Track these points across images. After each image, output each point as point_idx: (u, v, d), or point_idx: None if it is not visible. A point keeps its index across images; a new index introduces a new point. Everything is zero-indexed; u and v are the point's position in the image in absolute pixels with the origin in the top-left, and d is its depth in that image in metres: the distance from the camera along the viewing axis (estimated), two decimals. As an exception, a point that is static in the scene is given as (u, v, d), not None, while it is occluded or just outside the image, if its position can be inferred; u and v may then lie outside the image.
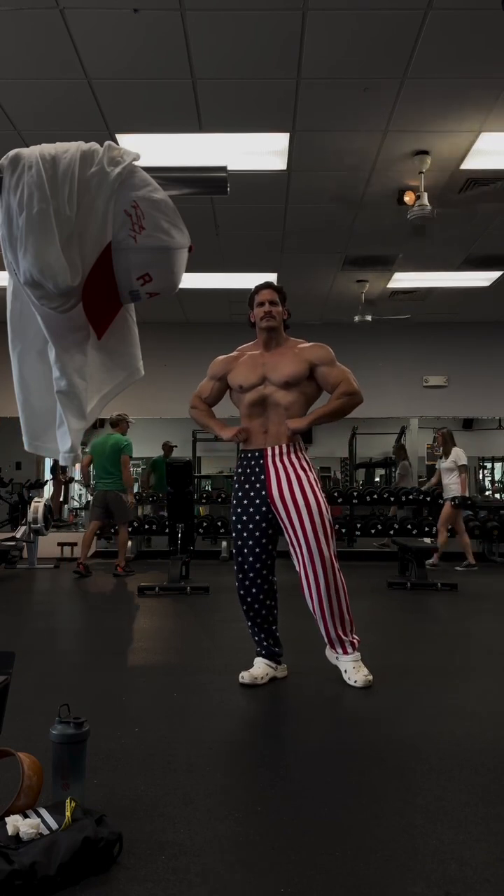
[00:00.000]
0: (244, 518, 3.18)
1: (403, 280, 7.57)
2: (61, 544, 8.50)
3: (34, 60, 3.87)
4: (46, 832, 1.59)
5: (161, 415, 8.92)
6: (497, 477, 12.76)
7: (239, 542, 3.20)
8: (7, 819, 1.62)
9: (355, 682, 3.06)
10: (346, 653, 3.13)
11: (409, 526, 8.49)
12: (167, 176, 1.95)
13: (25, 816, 1.63)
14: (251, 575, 3.17)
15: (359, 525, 8.72)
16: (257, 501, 3.14)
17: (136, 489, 8.24)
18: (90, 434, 8.14)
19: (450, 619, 5.04)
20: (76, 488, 10.98)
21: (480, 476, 12.65)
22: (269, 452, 3.14)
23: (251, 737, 2.64)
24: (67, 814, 1.63)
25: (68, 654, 3.96)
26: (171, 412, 8.64)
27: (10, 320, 1.96)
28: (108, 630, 4.65)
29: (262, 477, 3.14)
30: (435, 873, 1.59)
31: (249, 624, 3.25)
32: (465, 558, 7.56)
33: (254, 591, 3.17)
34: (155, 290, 1.94)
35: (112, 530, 7.78)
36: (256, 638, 3.24)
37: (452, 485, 7.59)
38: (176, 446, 9.73)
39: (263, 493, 3.13)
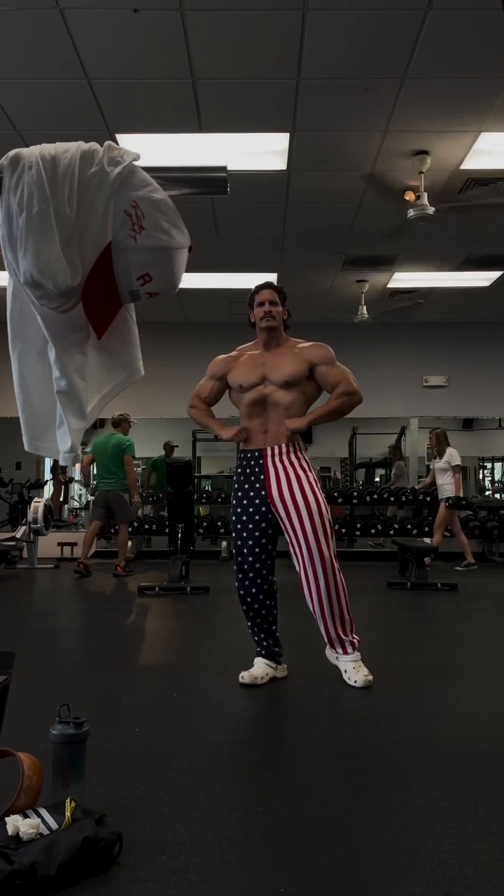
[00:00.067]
0: (244, 518, 3.18)
1: (403, 280, 7.57)
2: (61, 544, 8.50)
3: (34, 60, 3.86)
4: (46, 832, 1.59)
5: (161, 415, 8.92)
6: (497, 477, 12.76)
7: (239, 542, 3.20)
8: (7, 819, 1.62)
9: (355, 682, 3.06)
10: (346, 653, 3.13)
11: (409, 526, 8.49)
12: (167, 176, 1.95)
13: (25, 816, 1.64)
14: (251, 575, 3.17)
15: (359, 525, 8.71)
16: (257, 501, 3.14)
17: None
18: (91, 434, 8.15)
19: (450, 619, 5.04)
20: (76, 488, 10.98)
21: (480, 476, 12.64)
22: (269, 452, 3.14)
23: (251, 737, 2.64)
24: (67, 814, 1.63)
25: (68, 654, 3.96)
26: (171, 412, 8.63)
27: (10, 320, 1.96)
28: (108, 630, 4.65)
29: (262, 477, 3.14)
30: (435, 873, 1.59)
31: (249, 624, 3.25)
32: (465, 558, 7.56)
33: (254, 591, 3.17)
34: (155, 290, 1.94)
35: (112, 530, 7.78)
36: (256, 638, 3.24)
37: (446, 485, 7.59)
38: (177, 446, 9.73)
39: (263, 493, 3.13)
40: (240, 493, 3.20)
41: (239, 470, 3.24)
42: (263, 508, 3.13)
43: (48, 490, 9.75)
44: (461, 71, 3.97)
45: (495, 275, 7.35)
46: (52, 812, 1.66)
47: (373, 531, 8.68)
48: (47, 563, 7.85)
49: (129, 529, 7.48)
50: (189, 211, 2.05)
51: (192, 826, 1.81)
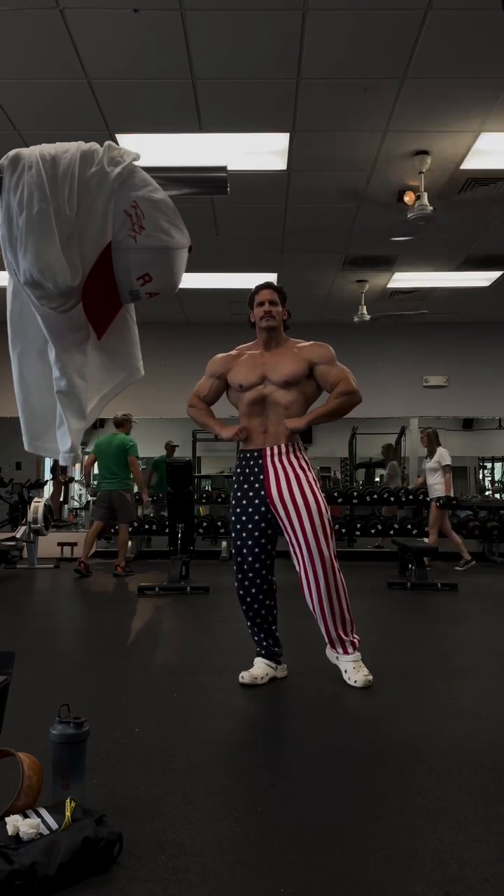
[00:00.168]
0: (243, 518, 3.18)
1: (403, 280, 7.57)
2: (61, 544, 8.50)
3: (34, 60, 3.87)
4: (46, 832, 1.59)
5: (161, 415, 8.92)
6: (497, 477, 12.75)
7: (238, 542, 3.20)
8: (7, 819, 1.62)
9: (355, 681, 3.06)
10: (346, 652, 3.13)
11: (408, 526, 8.49)
12: (167, 176, 1.95)
13: (25, 816, 1.63)
14: (251, 575, 3.17)
15: (359, 525, 8.71)
16: (256, 501, 3.14)
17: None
18: (92, 434, 8.15)
19: (450, 619, 5.04)
20: (76, 488, 10.98)
21: (480, 476, 12.64)
22: (269, 452, 3.14)
23: (251, 737, 2.64)
24: (67, 814, 1.63)
25: (68, 654, 3.96)
26: (171, 412, 8.63)
27: (10, 320, 1.96)
28: (108, 630, 4.65)
29: (262, 477, 3.13)
30: (435, 873, 1.59)
31: (249, 624, 3.25)
32: (462, 557, 7.56)
33: (253, 591, 3.17)
34: (155, 290, 1.95)
35: (112, 530, 7.78)
36: (256, 638, 3.24)
37: (437, 485, 7.61)
38: (178, 446, 9.74)
39: (263, 493, 3.13)
40: (239, 493, 3.20)
41: (238, 470, 3.24)
42: (263, 508, 3.13)
43: (48, 490, 9.75)
44: (461, 71, 3.97)
45: (495, 275, 7.36)
46: (52, 812, 1.66)
47: (373, 531, 8.68)
48: (47, 563, 7.85)
49: (130, 529, 7.48)
50: (189, 211, 2.05)
51: (192, 826, 1.81)
